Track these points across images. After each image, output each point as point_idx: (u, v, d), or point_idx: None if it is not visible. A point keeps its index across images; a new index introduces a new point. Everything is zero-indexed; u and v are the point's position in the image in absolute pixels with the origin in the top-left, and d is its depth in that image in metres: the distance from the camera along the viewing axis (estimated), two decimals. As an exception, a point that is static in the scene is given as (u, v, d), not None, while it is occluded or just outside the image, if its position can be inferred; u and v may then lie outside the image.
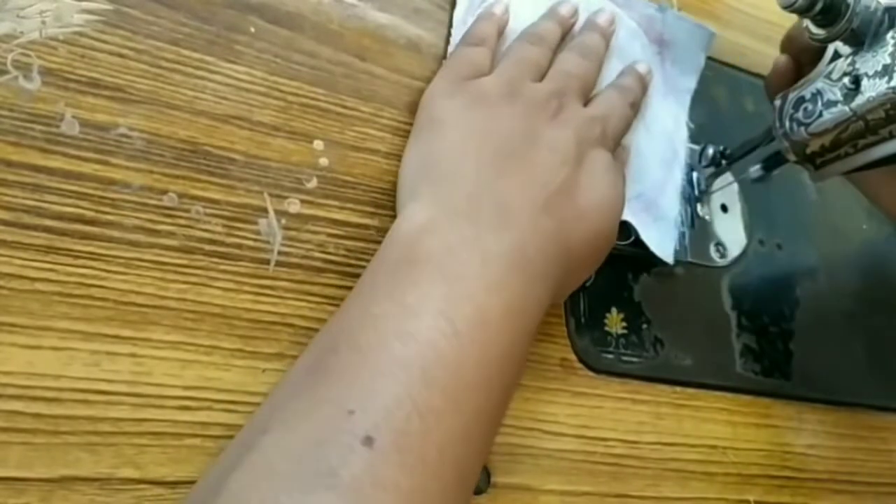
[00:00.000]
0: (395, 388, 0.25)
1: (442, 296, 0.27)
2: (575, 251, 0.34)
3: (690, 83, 0.47)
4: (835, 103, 0.37)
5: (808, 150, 0.39)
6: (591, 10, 0.43)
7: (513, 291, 0.29)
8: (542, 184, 0.33)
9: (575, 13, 0.43)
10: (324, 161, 0.35)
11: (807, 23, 0.36)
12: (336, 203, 0.35)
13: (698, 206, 0.46)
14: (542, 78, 0.38)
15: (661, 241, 0.42)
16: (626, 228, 0.40)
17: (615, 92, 0.41)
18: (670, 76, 0.46)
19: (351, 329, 0.27)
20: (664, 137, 0.45)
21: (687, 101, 0.47)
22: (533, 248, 0.31)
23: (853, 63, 0.36)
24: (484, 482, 0.33)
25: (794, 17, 0.36)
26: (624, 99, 0.40)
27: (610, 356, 0.40)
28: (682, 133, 0.46)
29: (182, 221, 0.31)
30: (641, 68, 0.43)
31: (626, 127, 0.41)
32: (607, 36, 0.43)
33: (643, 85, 0.43)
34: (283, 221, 0.33)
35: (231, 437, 0.29)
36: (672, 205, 0.44)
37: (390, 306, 0.27)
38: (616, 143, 0.39)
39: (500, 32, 0.41)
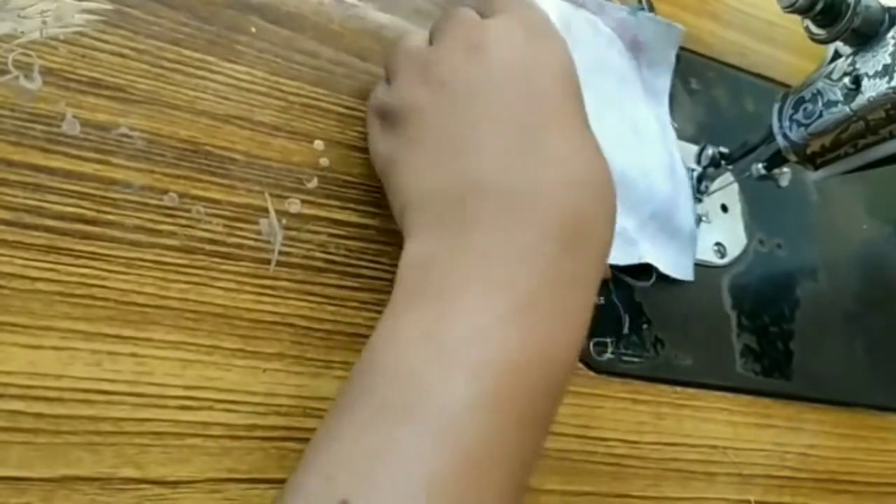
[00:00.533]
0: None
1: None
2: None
3: (665, 83, 0.47)
4: (835, 103, 0.37)
5: (808, 150, 0.39)
6: (566, 20, 0.42)
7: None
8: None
9: None
10: (324, 161, 0.35)
11: (807, 23, 0.36)
12: (337, 203, 0.35)
13: (698, 206, 0.46)
14: None
15: (679, 260, 0.42)
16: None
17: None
18: (647, 79, 0.46)
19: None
20: (657, 143, 0.44)
21: (665, 101, 0.47)
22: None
23: (853, 63, 0.36)
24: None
25: (794, 17, 0.36)
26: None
27: (610, 356, 0.40)
28: (671, 135, 0.46)
29: (183, 221, 0.31)
30: None
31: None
32: None
33: None
34: (284, 221, 0.33)
35: (232, 436, 0.29)
36: (687, 215, 0.44)
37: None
38: None
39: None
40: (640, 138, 0.43)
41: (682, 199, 0.44)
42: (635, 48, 0.46)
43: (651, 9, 0.47)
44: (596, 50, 0.43)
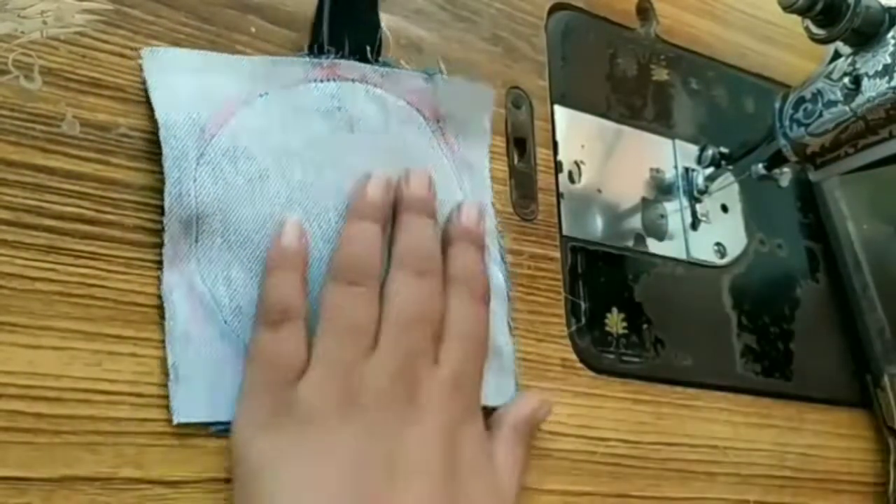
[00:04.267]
0: None
1: None
2: None
3: (482, 156, 0.39)
4: (835, 103, 0.37)
5: (808, 150, 0.39)
6: (334, 104, 0.34)
7: None
8: None
9: (390, 189, 0.33)
10: (324, 161, 0.35)
11: (807, 23, 0.36)
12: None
13: (698, 206, 0.46)
14: (375, 336, 0.30)
15: (500, 382, 0.35)
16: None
17: (461, 303, 0.32)
18: (459, 153, 0.37)
19: None
20: None
21: (486, 176, 0.38)
22: None
23: (853, 63, 0.36)
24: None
25: (794, 17, 0.36)
26: (473, 309, 0.32)
27: (611, 356, 0.40)
28: (491, 224, 0.37)
29: (183, 221, 0.31)
30: (468, 223, 0.34)
31: (485, 350, 0.33)
32: (434, 213, 0.33)
33: (480, 247, 0.34)
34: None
35: (232, 437, 0.29)
36: (502, 332, 0.36)
37: None
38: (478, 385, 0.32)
39: (305, 270, 0.31)
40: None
41: (498, 308, 0.36)
42: (438, 118, 0.37)
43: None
44: (387, 137, 0.35)
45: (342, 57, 0.35)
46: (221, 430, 0.29)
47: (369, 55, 0.36)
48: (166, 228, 0.30)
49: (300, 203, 0.32)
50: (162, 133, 0.30)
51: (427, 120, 0.37)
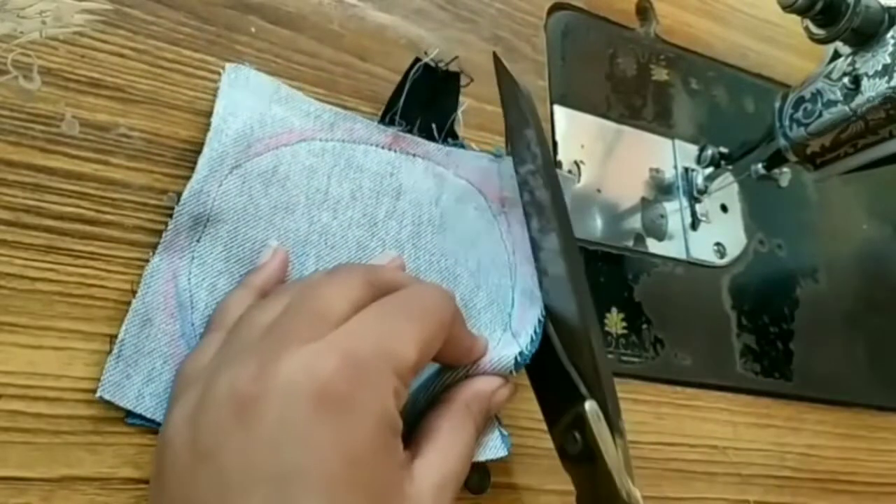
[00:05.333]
0: None
1: None
2: None
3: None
4: (835, 103, 0.37)
5: (808, 150, 0.39)
6: (390, 171, 0.34)
7: None
8: None
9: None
10: (324, 161, 0.35)
11: (807, 23, 0.36)
12: (336, 203, 0.35)
13: (698, 206, 0.46)
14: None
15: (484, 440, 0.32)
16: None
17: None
18: (521, 242, 0.34)
19: None
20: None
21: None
22: None
23: (853, 63, 0.36)
24: (484, 482, 0.33)
25: (794, 17, 0.36)
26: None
27: (610, 356, 0.40)
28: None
29: (182, 221, 0.31)
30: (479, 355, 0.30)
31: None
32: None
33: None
34: (284, 221, 0.33)
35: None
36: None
37: None
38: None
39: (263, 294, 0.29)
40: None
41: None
42: (503, 204, 0.35)
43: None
44: (435, 211, 0.34)
45: (411, 132, 0.36)
46: (137, 423, 0.28)
47: (436, 135, 0.36)
48: (174, 217, 0.30)
49: (315, 245, 0.32)
50: (209, 134, 0.31)
51: (489, 202, 0.36)
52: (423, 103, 0.36)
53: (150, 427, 0.28)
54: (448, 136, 0.37)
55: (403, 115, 0.36)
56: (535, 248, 0.33)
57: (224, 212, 0.31)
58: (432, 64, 0.36)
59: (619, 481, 0.27)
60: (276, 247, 0.31)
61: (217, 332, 0.28)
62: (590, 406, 0.28)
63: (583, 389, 0.28)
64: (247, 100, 0.33)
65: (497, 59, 0.35)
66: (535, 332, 0.31)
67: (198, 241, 0.30)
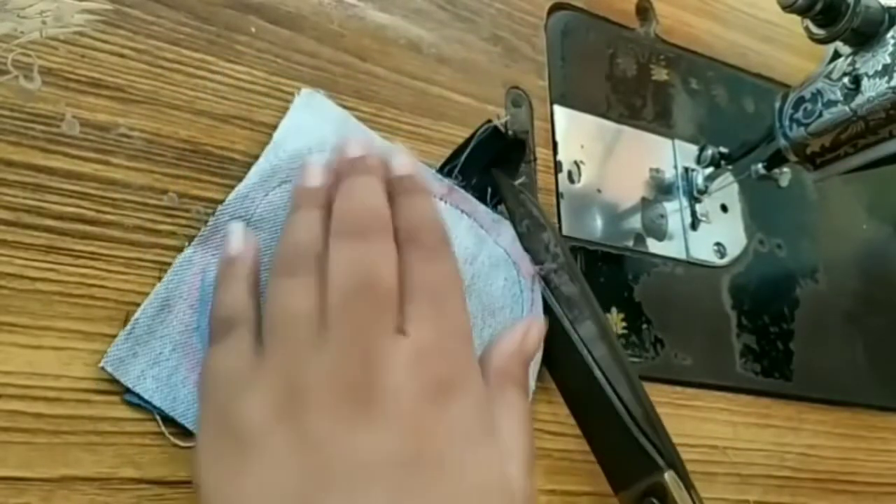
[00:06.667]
0: None
1: None
2: None
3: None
4: (835, 103, 0.37)
5: (808, 150, 0.39)
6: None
7: None
8: None
9: (329, 170, 0.30)
10: (324, 161, 0.35)
11: (807, 23, 0.36)
12: (336, 203, 0.35)
13: (698, 206, 0.46)
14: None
15: None
16: None
17: (415, 258, 0.27)
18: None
19: None
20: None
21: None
22: None
23: (853, 63, 0.36)
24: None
25: (794, 17, 0.36)
26: (431, 262, 0.27)
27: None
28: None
29: (182, 221, 0.31)
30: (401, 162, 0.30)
31: (459, 303, 0.28)
32: (378, 172, 0.29)
33: (425, 193, 0.30)
34: (284, 221, 0.33)
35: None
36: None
37: None
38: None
39: (253, 276, 0.29)
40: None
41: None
42: (534, 283, 0.35)
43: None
44: (468, 269, 0.34)
45: (465, 188, 0.35)
46: (134, 402, 0.28)
47: (488, 198, 0.36)
48: (215, 215, 0.30)
49: None
50: (267, 147, 0.33)
51: (520, 276, 0.35)
52: (484, 164, 0.36)
53: (145, 408, 0.28)
54: (499, 202, 0.37)
55: (462, 170, 0.35)
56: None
57: (264, 221, 0.31)
58: (502, 129, 0.36)
59: None
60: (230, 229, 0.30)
61: (237, 330, 0.27)
62: (670, 477, 0.30)
63: (660, 461, 0.30)
64: (312, 123, 0.34)
65: (496, 174, 0.36)
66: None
67: None
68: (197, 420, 0.28)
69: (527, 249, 0.35)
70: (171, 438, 0.28)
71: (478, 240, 0.35)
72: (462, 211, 0.35)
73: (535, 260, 0.35)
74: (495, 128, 0.35)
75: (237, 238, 0.29)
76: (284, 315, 0.26)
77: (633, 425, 0.31)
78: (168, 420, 0.28)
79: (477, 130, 0.36)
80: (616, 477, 0.32)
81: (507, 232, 0.36)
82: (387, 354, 0.25)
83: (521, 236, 0.35)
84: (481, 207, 0.36)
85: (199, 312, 0.29)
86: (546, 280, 0.34)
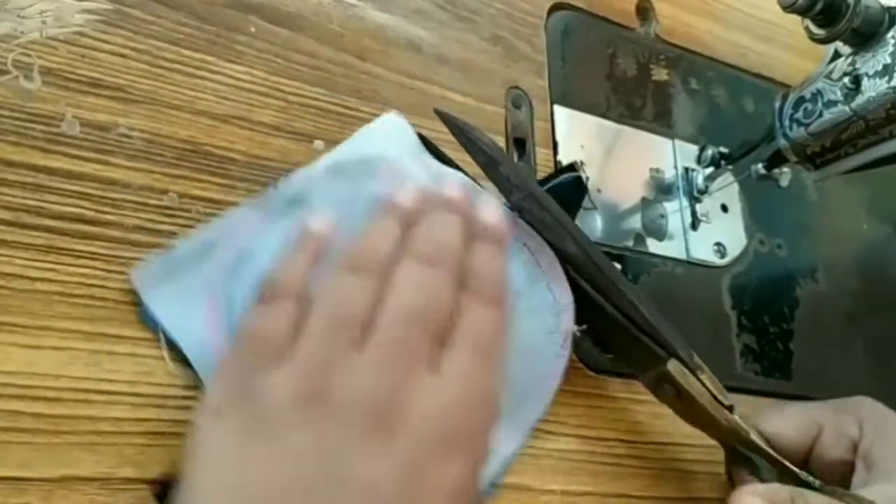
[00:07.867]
0: None
1: None
2: None
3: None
4: (835, 103, 0.37)
5: (808, 150, 0.39)
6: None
7: None
8: None
9: (422, 198, 0.30)
10: (324, 161, 0.35)
11: (807, 23, 0.36)
12: (336, 203, 0.35)
13: (698, 206, 0.46)
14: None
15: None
16: None
17: (472, 304, 0.27)
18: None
19: None
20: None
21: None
22: None
23: (853, 63, 0.36)
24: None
25: (794, 17, 0.36)
26: (484, 312, 0.28)
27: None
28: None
29: (182, 221, 0.31)
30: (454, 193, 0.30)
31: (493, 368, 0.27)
32: (465, 212, 0.30)
33: (501, 246, 0.30)
34: (284, 221, 0.33)
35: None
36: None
37: None
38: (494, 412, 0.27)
39: (318, 258, 0.29)
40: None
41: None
42: (567, 342, 0.35)
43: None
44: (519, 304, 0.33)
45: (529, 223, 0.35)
46: (147, 321, 0.29)
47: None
48: (277, 186, 0.32)
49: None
50: (341, 146, 0.35)
51: (560, 330, 0.34)
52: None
53: (154, 331, 0.29)
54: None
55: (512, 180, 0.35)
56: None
57: (319, 207, 0.31)
58: (584, 180, 0.36)
59: (718, 414, 0.34)
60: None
61: (286, 301, 0.27)
62: (673, 366, 0.33)
63: (661, 353, 0.33)
64: (389, 141, 0.35)
65: (440, 113, 0.35)
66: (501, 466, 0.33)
67: (286, 216, 0.31)
68: (212, 362, 0.28)
69: (493, 182, 0.35)
70: (170, 363, 0.29)
71: (530, 277, 0.34)
72: (524, 244, 0.34)
73: (501, 190, 0.34)
74: (578, 177, 0.36)
75: (326, 218, 0.30)
76: (336, 308, 0.26)
77: (632, 326, 0.33)
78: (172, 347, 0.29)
79: (559, 173, 0.36)
80: (632, 366, 0.36)
81: (560, 278, 0.34)
82: (417, 389, 0.25)
83: (484, 171, 0.35)
84: (547, 247, 0.34)
85: (237, 262, 0.30)
86: (519, 210, 0.34)
